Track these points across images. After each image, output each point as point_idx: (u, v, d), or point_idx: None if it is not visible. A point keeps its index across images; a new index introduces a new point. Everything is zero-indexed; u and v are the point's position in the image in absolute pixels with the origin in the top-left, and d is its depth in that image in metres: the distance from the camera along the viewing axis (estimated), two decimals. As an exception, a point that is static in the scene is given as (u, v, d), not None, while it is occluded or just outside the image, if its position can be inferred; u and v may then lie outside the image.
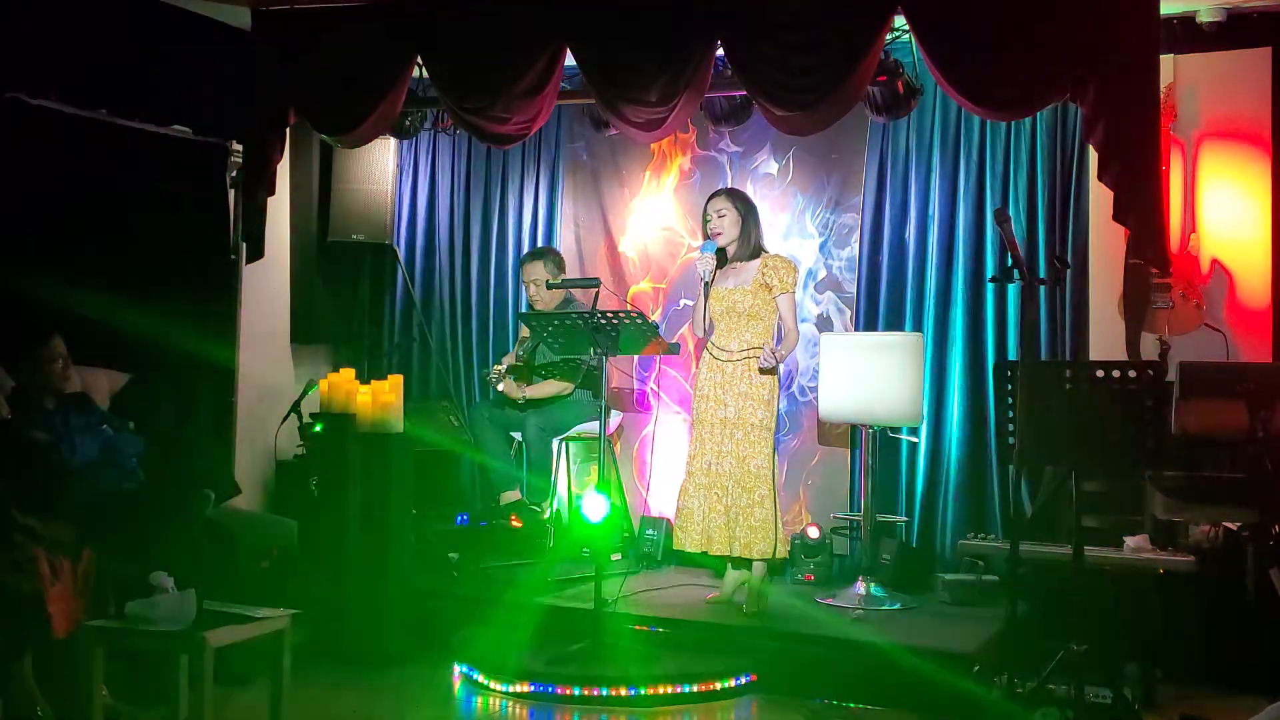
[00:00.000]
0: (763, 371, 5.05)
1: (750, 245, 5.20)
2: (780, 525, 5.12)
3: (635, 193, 6.51)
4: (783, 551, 5.19)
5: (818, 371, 5.58)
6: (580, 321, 4.76)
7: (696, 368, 5.94)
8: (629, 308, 5.20)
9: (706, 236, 5.25)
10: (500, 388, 5.93)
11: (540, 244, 6.59)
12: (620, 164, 6.54)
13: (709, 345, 5.23)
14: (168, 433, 5.21)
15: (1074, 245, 5.50)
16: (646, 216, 6.48)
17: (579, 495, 6.30)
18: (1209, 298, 5.25)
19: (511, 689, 4.61)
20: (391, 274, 6.92)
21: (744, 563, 5.15)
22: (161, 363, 5.66)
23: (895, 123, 5.70)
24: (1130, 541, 4.82)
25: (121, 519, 4.49)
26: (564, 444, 6.15)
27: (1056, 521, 5.16)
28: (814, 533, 5.73)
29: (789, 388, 6.06)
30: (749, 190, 6.14)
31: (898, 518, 5.76)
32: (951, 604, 5.25)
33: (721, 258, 5.21)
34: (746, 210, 5.23)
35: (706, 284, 5.16)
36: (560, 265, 6.07)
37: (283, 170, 6.03)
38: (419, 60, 5.44)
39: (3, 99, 5.04)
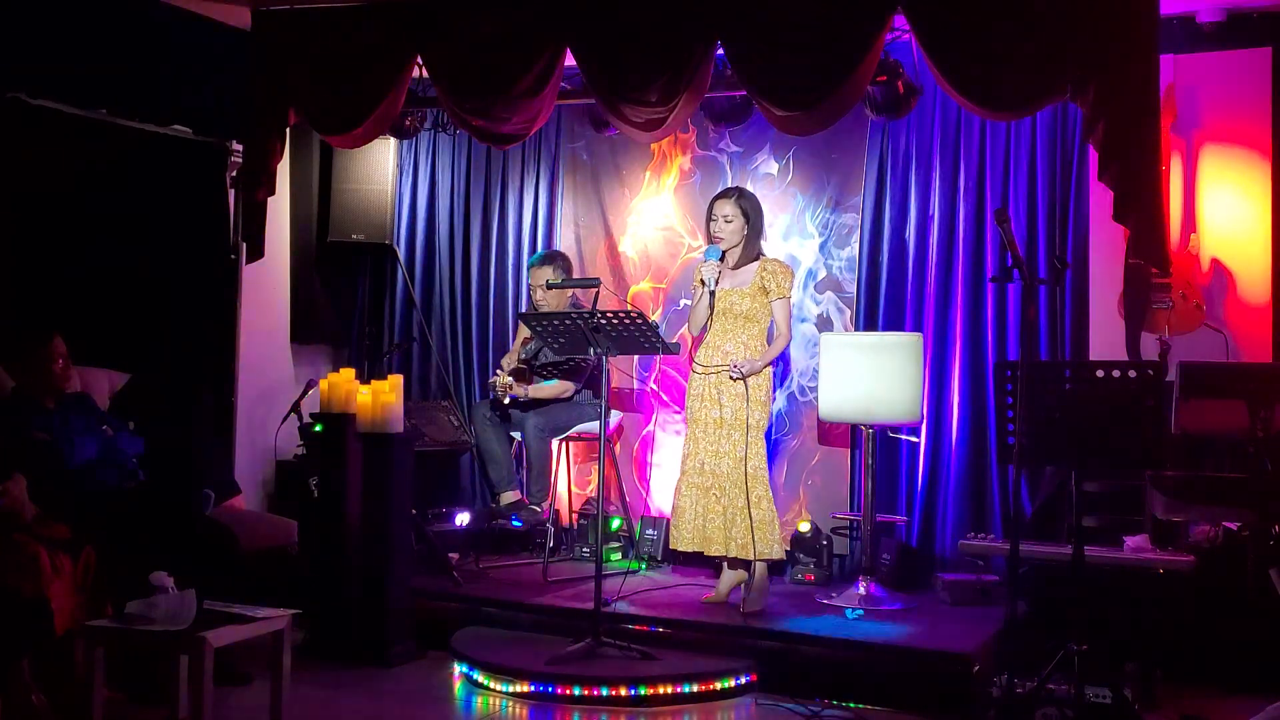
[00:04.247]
0: (740, 378, 5.08)
1: (752, 252, 5.24)
2: (778, 524, 5.14)
3: (635, 193, 6.51)
4: (779, 552, 5.19)
5: (818, 371, 5.58)
6: (580, 322, 4.76)
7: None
8: (629, 308, 5.20)
9: (710, 238, 5.25)
10: (507, 400, 5.92)
11: (540, 244, 6.59)
12: (620, 164, 6.54)
13: (694, 364, 5.25)
14: (168, 433, 5.21)
15: (1074, 245, 5.50)
16: (646, 216, 6.48)
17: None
18: (1209, 298, 5.25)
19: (511, 689, 4.61)
20: (391, 274, 6.92)
21: (742, 563, 5.16)
22: (161, 363, 5.67)
23: (895, 123, 5.70)
24: (1130, 541, 4.82)
25: (121, 519, 4.49)
26: (564, 444, 6.15)
27: (1056, 521, 5.16)
28: (805, 527, 5.71)
29: (788, 387, 6.06)
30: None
31: (898, 518, 5.76)
32: (951, 604, 5.25)
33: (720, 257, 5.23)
34: (753, 216, 5.23)
35: (711, 292, 5.17)
36: (568, 269, 6.08)
37: (283, 170, 6.03)
38: (419, 60, 5.44)
39: (3, 99, 5.04)
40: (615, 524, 6.13)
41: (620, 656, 4.67)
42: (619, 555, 6.12)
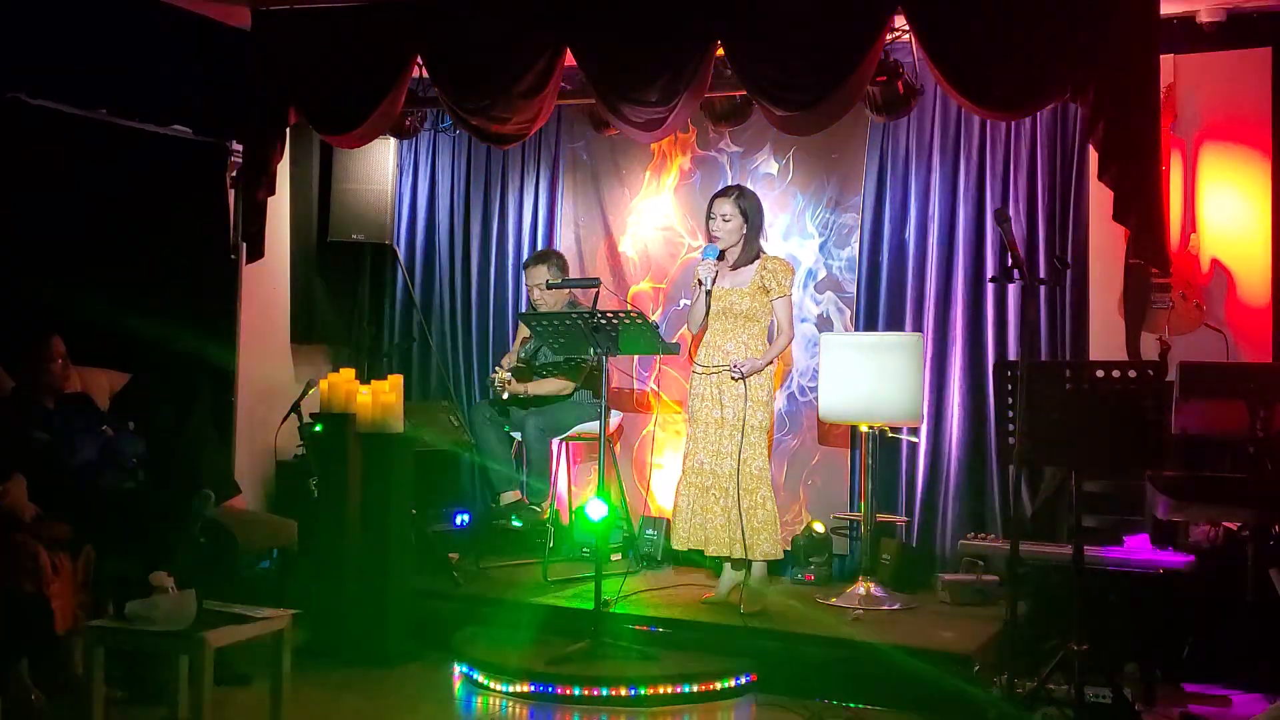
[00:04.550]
0: (741, 378, 5.07)
1: (752, 251, 5.21)
2: (779, 525, 5.15)
3: (635, 193, 6.51)
4: (779, 553, 5.19)
5: (818, 371, 5.58)
6: (580, 321, 4.76)
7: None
8: (629, 308, 5.20)
9: (709, 237, 5.24)
10: (506, 396, 5.93)
11: (540, 244, 6.59)
12: (620, 164, 6.54)
13: (695, 365, 5.24)
14: (168, 433, 5.20)
15: (1074, 245, 5.50)
16: (646, 216, 6.48)
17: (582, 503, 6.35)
18: (1209, 298, 5.26)
19: (511, 689, 4.61)
20: (391, 274, 6.92)
21: (743, 563, 5.15)
22: (161, 363, 5.66)
23: (895, 123, 5.70)
24: (1130, 541, 4.82)
25: (121, 519, 4.49)
26: (564, 444, 6.15)
27: (1056, 521, 5.16)
28: (819, 528, 5.71)
29: (788, 387, 6.06)
30: (749, 190, 6.15)
31: (898, 518, 5.76)
32: (951, 604, 5.25)
33: (719, 255, 5.21)
34: (752, 215, 5.19)
35: (708, 291, 5.15)
36: (563, 268, 6.08)
37: (283, 170, 6.04)
38: (419, 60, 5.44)
39: (3, 99, 5.04)
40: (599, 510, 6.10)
41: (620, 656, 4.67)
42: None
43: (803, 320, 6.01)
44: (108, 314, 5.50)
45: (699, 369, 5.22)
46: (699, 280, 5.22)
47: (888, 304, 5.86)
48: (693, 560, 5.58)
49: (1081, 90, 4.54)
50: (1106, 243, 5.35)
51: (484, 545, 6.04)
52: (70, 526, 4.27)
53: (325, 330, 6.89)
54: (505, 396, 5.93)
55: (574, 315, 4.80)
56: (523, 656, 4.73)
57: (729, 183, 6.07)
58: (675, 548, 5.29)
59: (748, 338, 5.16)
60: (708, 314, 5.20)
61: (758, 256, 5.21)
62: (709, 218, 5.23)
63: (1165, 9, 4.72)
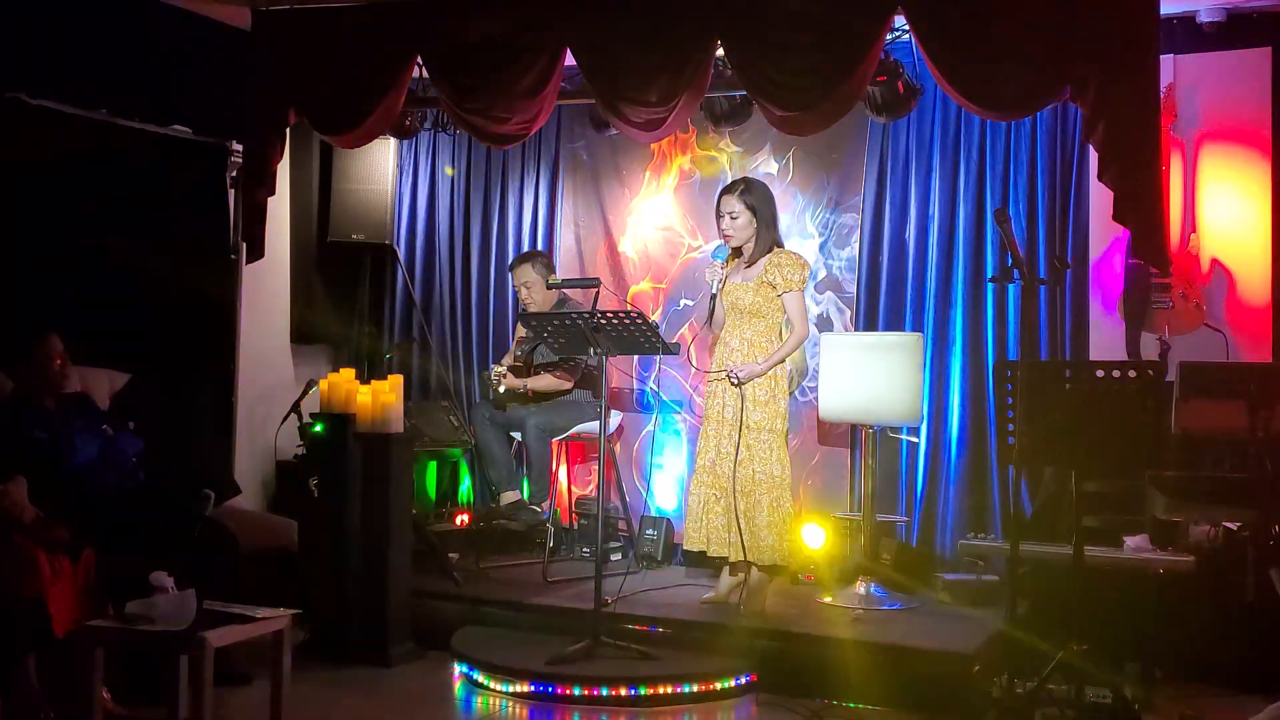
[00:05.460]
0: (738, 384, 5.04)
1: (767, 244, 5.14)
2: (786, 532, 5.08)
3: (635, 193, 6.51)
4: (781, 559, 5.12)
5: (818, 371, 5.58)
6: (580, 321, 4.76)
7: (696, 364, 5.94)
8: (629, 308, 5.19)
9: (723, 236, 5.20)
10: (503, 389, 5.94)
11: (540, 244, 6.60)
12: (620, 164, 6.54)
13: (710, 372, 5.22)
14: (168, 433, 5.20)
15: (1074, 245, 5.50)
16: (646, 216, 6.48)
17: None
18: (1209, 298, 5.25)
19: (511, 689, 4.61)
20: (391, 274, 6.92)
21: (742, 564, 5.14)
22: (161, 363, 5.66)
23: (895, 123, 5.70)
24: (1130, 541, 4.82)
25: (121, 519, 4.49)
26: (564, 444, 6.15)
27: (1056, 521, 5.16)
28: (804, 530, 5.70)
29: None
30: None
31: (898, 518, 5.76)
32: (951, 604, 5.25)
33: (736, 251, 5.19)
34: (760, 207, 5.11)
35: (714, 295, 5.13)
36: (549, 266, 6.08)
37: (283, 170, 6.03)
38: (419, 60, 5.44)
39: (3, 99, 5.04)
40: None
41: (620, 656, 4.67)
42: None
43: (803, 320, 6.01)
44: (108, 314, 5.51)
45: (709, 372, 5.21)
46: (709, 286, 5.19)
47: (888, 304, 5.87)
48: (700, 560, 5.57)
49: (1081, 90, 4.54)
50: (1106, 243, 5.35)
51: (484, 545, 6.04)
52: (70, 529, 4.27)
53: (325, 330, 6.89)
54: (502, 390, 5.93)
55: (574, 315, 4.79)
56: (523, 656, 4.72)
57: (729, 183, 6.08)
58: (685, 548, 5.26)
59: (753, 334, 5.12)
60: (711, 317, 5.20)
61: (772, 249, 5.15)
62: (718, 216, 5.19)
63: (1165, 9, 4.71)
